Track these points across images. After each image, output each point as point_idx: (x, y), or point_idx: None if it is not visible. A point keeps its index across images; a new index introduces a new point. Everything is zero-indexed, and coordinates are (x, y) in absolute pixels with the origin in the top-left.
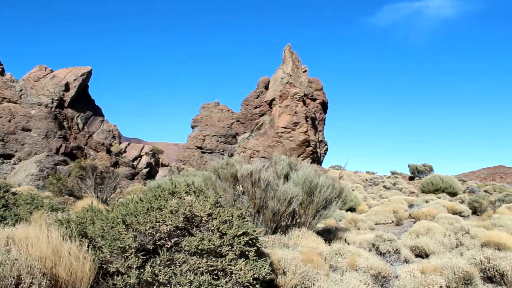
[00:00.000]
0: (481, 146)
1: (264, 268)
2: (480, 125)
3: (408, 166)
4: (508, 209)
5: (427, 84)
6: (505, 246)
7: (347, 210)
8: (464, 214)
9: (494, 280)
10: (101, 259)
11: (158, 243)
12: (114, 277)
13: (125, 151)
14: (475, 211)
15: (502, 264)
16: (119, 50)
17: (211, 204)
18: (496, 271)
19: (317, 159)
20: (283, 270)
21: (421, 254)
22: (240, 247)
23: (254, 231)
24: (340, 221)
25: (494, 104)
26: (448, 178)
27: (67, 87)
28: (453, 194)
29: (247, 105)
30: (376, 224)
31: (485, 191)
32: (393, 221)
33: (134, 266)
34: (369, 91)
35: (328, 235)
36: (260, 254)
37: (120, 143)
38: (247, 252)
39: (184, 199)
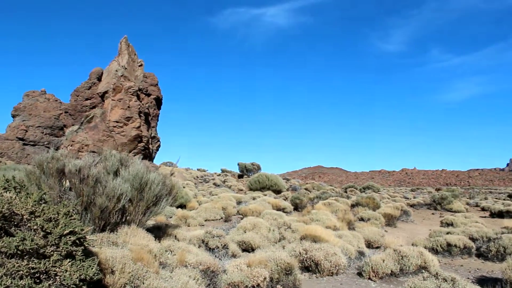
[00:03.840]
0: (303, 148)
1: (92, 268)
2: (303, 129)
3: (238, 164)
4: (324, 205)
5: (262, 87)
6: (320, 239)
7: (178, 207)
8: (287, 210)
9: (311, 269)
10: None
11: None
12: None
13: None
14: (296, 207)
15: (317, 254)
16: None
17: (35, 201)
18: (312, 261)
19: (149, 155)
20: (112, 269)
21: (248, 249)
22: (66, 247)
23: (82, 229)
24: (171, 218)
25: (314, 109)
26: (273, 177)
27: None
28: (278, 191)
29: (78, 96)
30: (206, 220)
31: (306, 189)
32: (222, 218)
33: None
34: (205, 90)
35: (159, 232)
36: (88, 254)
37: None
38: (74, 252)
39: (2, 195)
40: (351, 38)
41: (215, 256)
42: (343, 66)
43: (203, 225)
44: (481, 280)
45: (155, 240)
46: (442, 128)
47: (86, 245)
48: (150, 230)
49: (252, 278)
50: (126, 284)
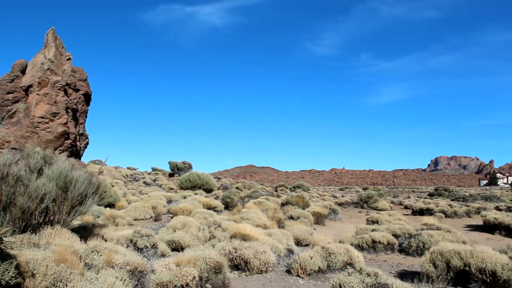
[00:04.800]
0: (235, 147)
1: (9, 272)
2: (235, 128)
3: (169, 163)
4: (254, 204)
5: (194, 85)
6: (250, 237)
7: (106, 206)
8: (218, 209)
9: (240, 267)
10: None
11: None
12: None
13: None
14: (227, 206)
15: (246, 253)
16: None
17: None
18: (242, 259)
19: (76, 153)
20: (32, 272)
21: (178, 248)
22: None
23: None
24: (99, 217)
25: (246, 109)
26: (204, 176)
27: None
28: (209, 190)
29: None
30: (135, 220)
31: (237, 188)
32: (152, 217)
33: None
34: (136, 88)
35: (85, 232)
36: (5, 257)
37: None
38: None
39: None
40: (284, 40)
41: (144, 256)
42: (276, 67)
43: (132, 225)
44: (402, 274)
45: (80, 240)
46: (369, 130)
47: (3, 248)
48: (75, 230)
49: (181, 278)
50: (48, 287)
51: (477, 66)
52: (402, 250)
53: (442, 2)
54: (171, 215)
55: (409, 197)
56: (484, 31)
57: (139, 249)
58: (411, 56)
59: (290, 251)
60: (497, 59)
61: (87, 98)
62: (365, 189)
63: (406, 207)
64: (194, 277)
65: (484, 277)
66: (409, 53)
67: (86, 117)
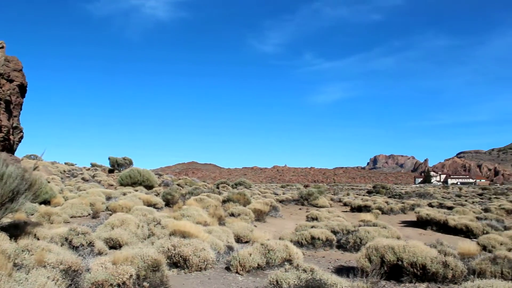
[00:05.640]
0: (177, 144)
1: None
2: (178, 124)
3: (109, 158)
4: (195, 201)
5: (137, 80)
6: (189, 234)
7: (41, 203)
8: (158, 206)
9: (179, 265)
10: None
11: None
12: None
13: None
14: (168, 203)
15: (185, 250)
16: None
17: None
18: (181, 256)
19: (9, 147)
20: None
21: (116, 246)
22: None
23: None
24: (32, 214)
25: (189, 105)
26: (145, 172)
27: None
28: (149, 187)
29: None
30: (72, 217)
31: (178, 184)
32: (89, 214)
33: None
34: (75, 81)
35: (16, 230)
36: None
37: None
38: None
39: None
40: (229, 36)
41: (80, 254)
42: (221, 64)
43: (68, 222)
44: (339, 269)
45: (10, 239)
46: (311, 128)
47: None
48: (5, 229)
49: (118, 276)
50: None
51: (417, 69)
52: (340, 246)
53: (385, 6)
54: (110, 212)
55: (348, 194)
56: (424, 36)
57: (74, 248)
58: (354, 57)
59: (230, 248)
60: (434, 63)
61: (22, 89)
62: (306, 186)
63: (345, 204)
64: (131, 276)
65: (415, 270)
66: (352, 54)
67: (21, 109)
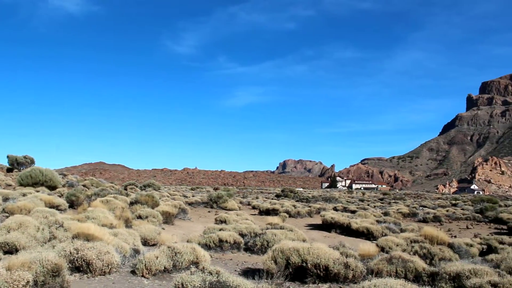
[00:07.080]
0: (84, 143)
1: None
2: (85, 123)
3: (7, 157)
4: (102, 202)
5: (43, 76)
6: (93, 237)
7: None
8: (62, 208)
9: (82, 269)
10: None
11: None
12: None
13: None
14: (72, 205)
15: (89, 253)
16: None
17: None
18: (84, 260)
19: None
20: None
21: (12, 251)
22: None
23: None
24: None
25: (98, 104)
26: (48, 172)
27: None
28: (53, 187)
29: None
30: None
31: (84, 185)
32: None
33: None
34: None
35: None
36: None
37: None
38: None
39: None
40: (142, 35)
41: None
42: (135, 64)
43: None
44: (246, 272)
45: None
46: (223, 132)
47: None
48: None
49: (12, 283)
50: None
51: (328, 78)
52: (248, 249)
53: (300, 16)
54: (7, 215)
55: (257, 198)
56: (334, 47)
57: None
58: (268, 62)
59: (136, 251)
60: (343, 73)
61: None
62: (216, 189)
63: (254, 207)
64: (28, 282)
65: (319, 271)
66: (266, 59)
67: None
